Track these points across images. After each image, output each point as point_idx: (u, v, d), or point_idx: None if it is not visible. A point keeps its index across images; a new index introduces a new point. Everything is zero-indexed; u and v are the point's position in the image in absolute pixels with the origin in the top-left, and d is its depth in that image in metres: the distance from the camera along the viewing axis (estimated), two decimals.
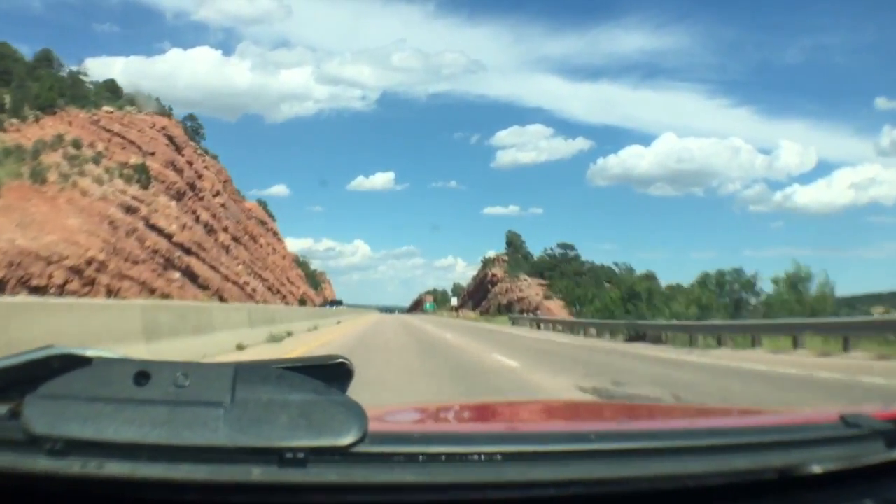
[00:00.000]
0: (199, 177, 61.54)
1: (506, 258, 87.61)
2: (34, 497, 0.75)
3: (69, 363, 0.79)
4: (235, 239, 68.94)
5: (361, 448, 0.74)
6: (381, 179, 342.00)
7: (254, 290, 69.01)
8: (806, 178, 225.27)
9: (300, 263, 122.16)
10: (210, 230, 59.34)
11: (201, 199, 59.50)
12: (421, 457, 0.80)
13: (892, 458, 0.99)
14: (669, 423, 1.65)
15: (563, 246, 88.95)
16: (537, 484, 0.82)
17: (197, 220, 56.31)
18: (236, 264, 66.50)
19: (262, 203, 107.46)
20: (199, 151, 67.66)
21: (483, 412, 2.03)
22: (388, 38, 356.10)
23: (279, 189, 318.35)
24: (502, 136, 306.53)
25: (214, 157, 75.82)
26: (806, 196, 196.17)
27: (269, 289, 79.71)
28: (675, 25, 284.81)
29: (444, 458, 0.81)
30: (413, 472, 0.78)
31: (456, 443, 0.87)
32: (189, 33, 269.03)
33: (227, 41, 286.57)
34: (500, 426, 1.64)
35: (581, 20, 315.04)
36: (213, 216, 62.28)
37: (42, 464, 0.71)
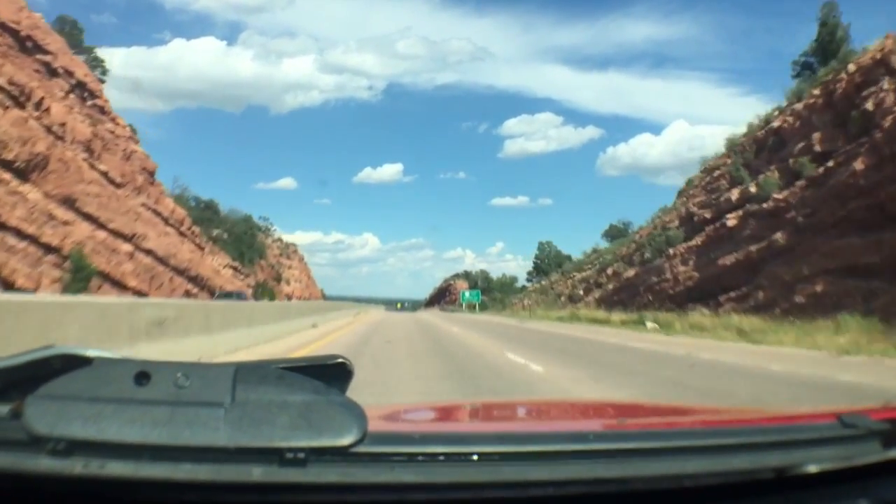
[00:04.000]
0: None
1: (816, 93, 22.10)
2: (36, 497, 0.75)
3: (70, 363, 0.78)
4: None
5: (361, 448, 0.75)
6: (389, 171, 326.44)
7: None
8: None
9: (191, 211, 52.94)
10: None
11: None
12: (420, 457, 0.81)
13: (888, 457, 0.99)
14: (667, 423, 1.65)
15: None
16: (536, 483, 0.82)
17: None
18: None
19: (71, 33, 40.96)
20: None
21: (482, 412, 2.05)
22: (393, 27, 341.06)
23: (287, 182, 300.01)
24: (511, 124, 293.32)
25: None
26: None
27: None
28: (684, 14, 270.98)
29: (442, 458, 0.82)
30: (412, 472, 0.79)
31: (455, 443, 0.87)
32: (190, 23, 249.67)
33: (229, 30, 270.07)
34: (499, 426, 1.66)
35: (589, 9, 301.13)
36: None
37: (44, 464, 0.71)
